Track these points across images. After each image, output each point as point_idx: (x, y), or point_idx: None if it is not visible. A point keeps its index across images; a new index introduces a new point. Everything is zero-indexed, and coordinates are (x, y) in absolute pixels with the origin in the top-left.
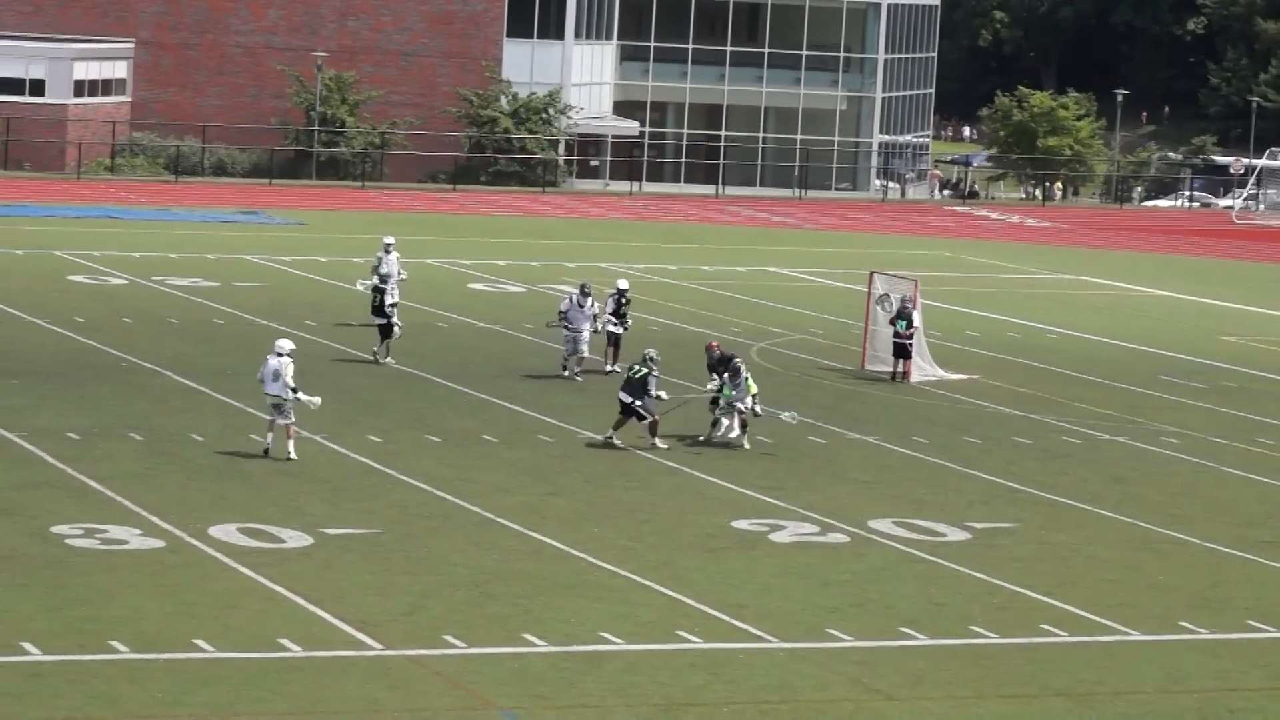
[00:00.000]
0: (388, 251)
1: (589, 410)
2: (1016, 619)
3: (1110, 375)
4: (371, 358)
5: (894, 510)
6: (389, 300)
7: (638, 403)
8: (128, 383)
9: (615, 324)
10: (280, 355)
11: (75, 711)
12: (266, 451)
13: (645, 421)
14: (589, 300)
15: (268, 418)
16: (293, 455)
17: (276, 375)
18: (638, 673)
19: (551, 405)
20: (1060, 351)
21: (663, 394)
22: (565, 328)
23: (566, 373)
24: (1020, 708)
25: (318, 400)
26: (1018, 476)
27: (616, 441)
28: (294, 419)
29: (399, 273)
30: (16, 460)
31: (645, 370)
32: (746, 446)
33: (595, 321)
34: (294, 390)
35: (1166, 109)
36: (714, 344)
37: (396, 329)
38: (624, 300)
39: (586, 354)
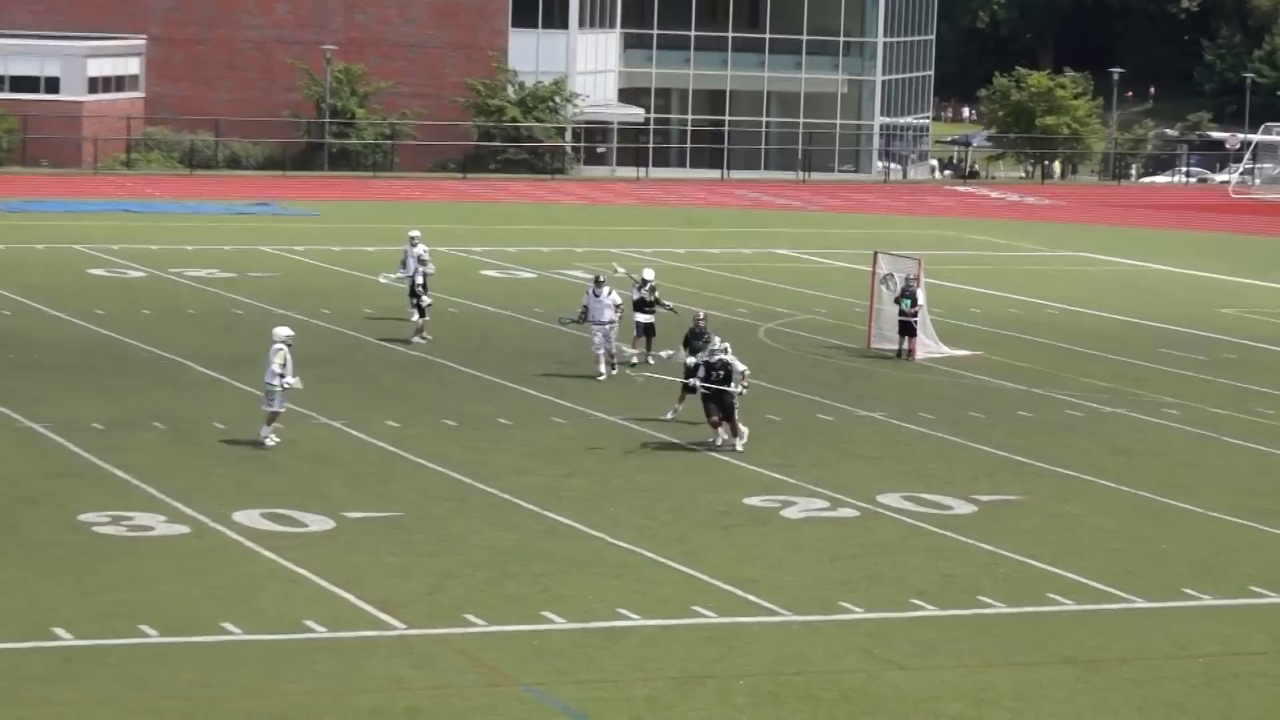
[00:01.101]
0: (414, 244)
1: (603, 392)
2: (1023, 589)
3: (1111, 349)
4: (416, 339)
5: (902, 485)
6: (418, 282)
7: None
8: (149, 373)
9: (646, 314)
10: (274, 342)
11: (107, 694)
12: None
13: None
14: (606, 290)
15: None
16: (268, 442)
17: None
18: (655, 647)
19: (564, 389)
20: (1061, 326)
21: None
22: (592, 323)
23: (602, 376)
24: (1028, 675)
25: (297, 381)
26: (1022, 450)
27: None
28: (278, 406)
29: (427, 263)
30: (43, 450)
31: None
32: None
33: (618, 310)
34: (280, 376)
35: (1152, 89)
36: (700, 314)
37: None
38: (650, 289)
39: (613, 348)
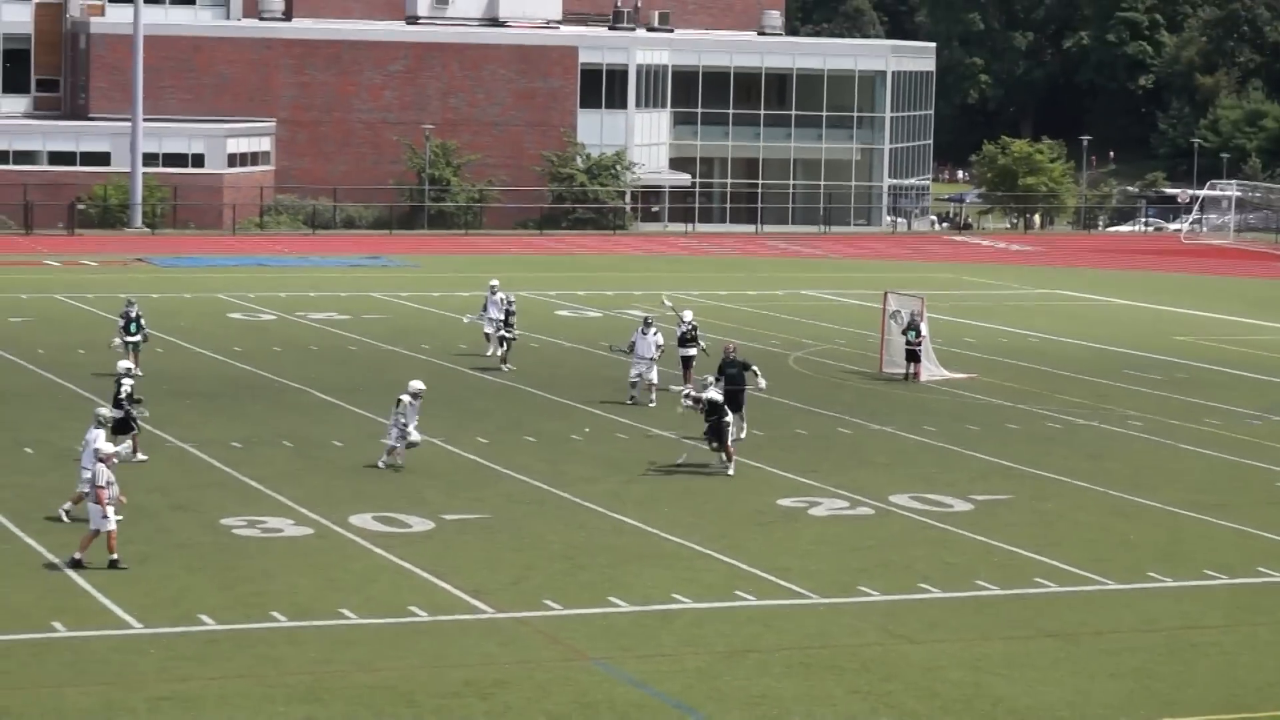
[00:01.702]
0: (493, 292)
1: (658, 414)
2: (1013, 574)
3: (1083, 371)
4: (499, 366)
5: (910, 487)
6: (506, 324)
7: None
8: (279, 400)
9: (687, 349)
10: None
11: (245, 670)
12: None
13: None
14: (652, 330)
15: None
16: (379, 464)
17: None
18: (703, 626)
19: (626, 410)
20: (1042, 353)
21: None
22: (636, 357)
23: (633, 399)
24: (1018, 647)
25: (417, 436)
26: (1010, 456)
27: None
28: (394, 441)
29: (510, 306)
30: (190, 466)
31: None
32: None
33: (659, 350)
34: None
35: (1112, 153)
36: (731, 346)
37: (508, 340)
38: (691, 327)
39: (655, 380)
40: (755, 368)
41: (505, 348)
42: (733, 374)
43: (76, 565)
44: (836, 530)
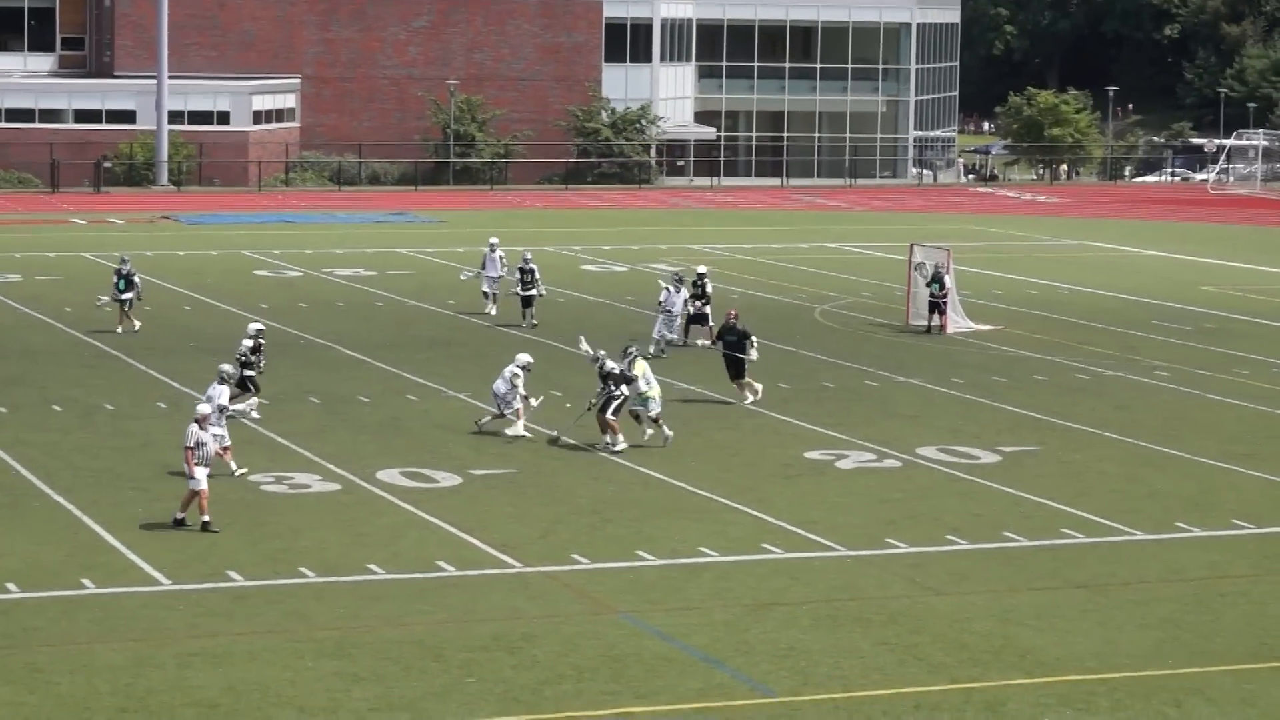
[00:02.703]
0: (492, 249)
1: (684, 366)
2: (1041, 525)
3: (1111, 322)
4: (524, 324)
5: (937, 439)
6: (526, 283)
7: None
8: (305, 356)
9: (699, 304)
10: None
11: (273, 626)
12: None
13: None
14: (680, 288)
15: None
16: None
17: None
18: (730, 579)
19: (653, 364)
20: (1069, 304)
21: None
22: (665, 313)
23: (655, 348)
24: (1046, 598)
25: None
26: (1038, 408)
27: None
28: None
29: (501, 268)
30: None
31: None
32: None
33: (687, 305)
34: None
35: (1130, 105)
36: (732, 313)
37: (532, 297)
38: (704, 282)
39: (675, 336)
40: (754, 338)
41: (530, 305)
42: (731, 341)
43: (179, 524)
44: (864, 483)
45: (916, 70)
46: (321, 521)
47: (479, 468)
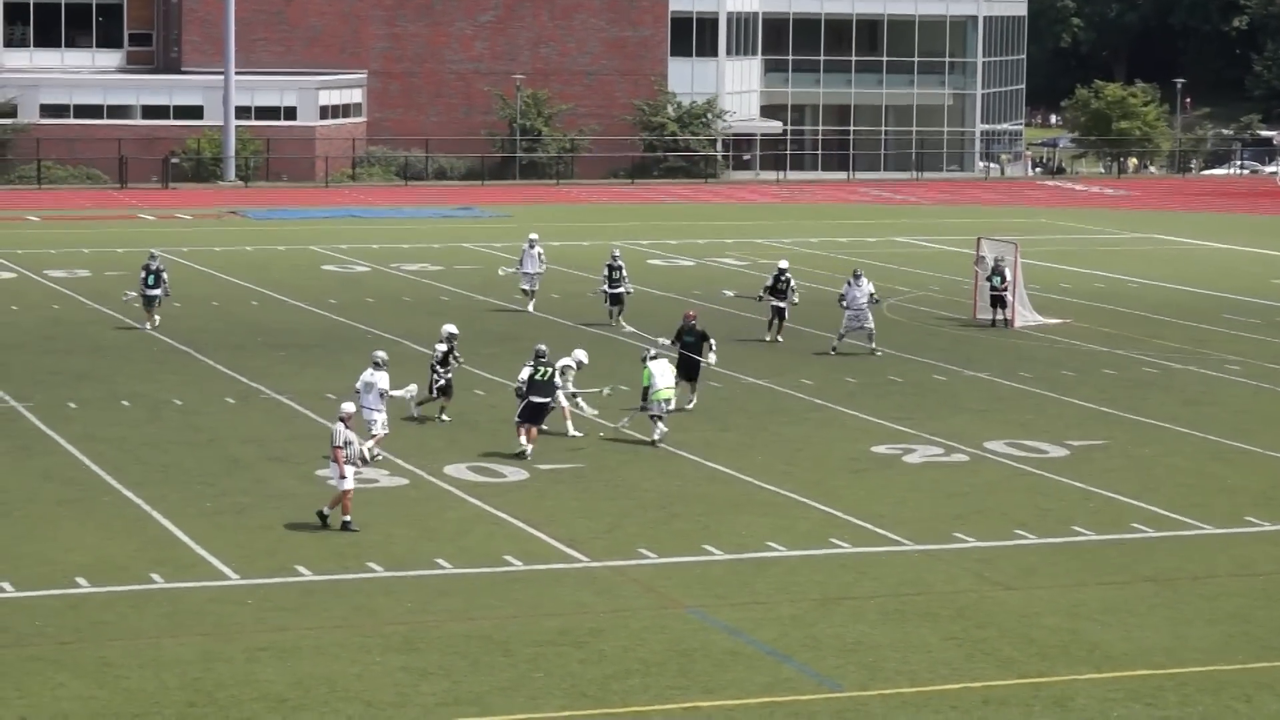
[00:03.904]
0: (531, 245)
1: (752, 360)
2: (1110, 519)
3: (1180, 315)
4: (612, 323)
5: (1005, 433)
6: (615, 281)
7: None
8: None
9: (779, 299)
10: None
11: (342, 620)
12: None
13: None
14: (861, 280)
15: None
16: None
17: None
18: (798, 574)
19: (720, 357)
20: (1138, 297)
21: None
22: (846, 308)
23: (834, 350)
24: (1115, 592)
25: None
26: (1107, 401)
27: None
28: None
29: (540, 264)
30: (286, 417)
31: (551, 371)
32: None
33: (874, 300)
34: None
35: (1189, 100)
36: (691, 314)
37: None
38: (784, 278)
39: (872, 328)
40: (712, 341)
41: (621, 305)
42: (689, 342)
43: (322, 519)
44: (931, 477)
45: (983, 63)
46: (389, 516)
47: (546, 462)
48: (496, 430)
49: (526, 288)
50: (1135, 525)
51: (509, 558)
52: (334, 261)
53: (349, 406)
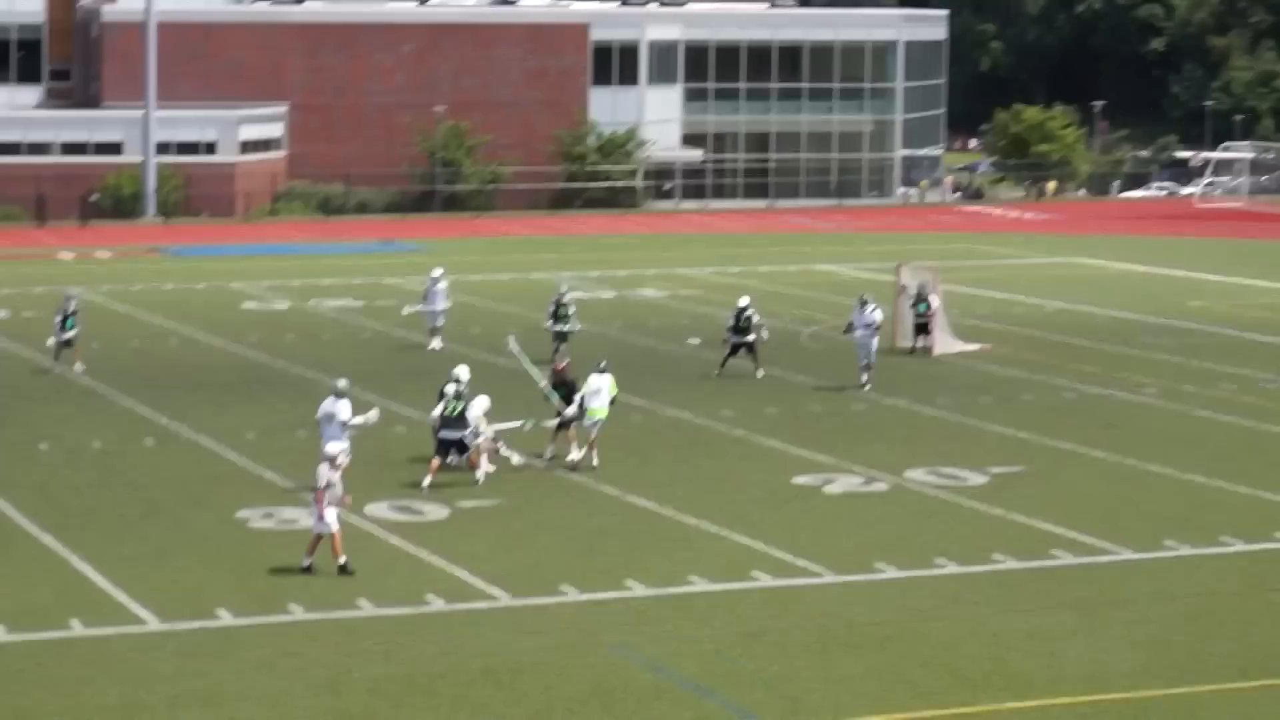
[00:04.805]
0: (435, 281)
1: (672, 390)
2: (1030, 546)
3: (1098, 339)
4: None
5: (925, 461)
6: (561, 317)
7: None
8: (293, 390)
9: (741, 336)
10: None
11: (264, 664)
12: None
13: (464, 456)
14: (870, 306)
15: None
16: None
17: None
18: (720, 608)
19: (642, 388)
20: (1057, 322)
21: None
22: (854, 336)
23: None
24: (1036, 620)
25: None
26: (1025, 428)
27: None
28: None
29: (445, 300)
30: (205, 458)
31: (461, 406)
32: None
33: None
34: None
35: (1106, 123)
36: (561, 365)
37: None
38: (744, 316)
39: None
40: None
41: (564, 341)
42: (563, 394)
43: (306, 571)
44: (852, 507)
45: (904, 88)
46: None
47: (467, 500)
48: (417, 468)
49: (433, 325)
50: (1055, 551)
51: (431, 597)
52: (254, 298)
53: (333, 447)
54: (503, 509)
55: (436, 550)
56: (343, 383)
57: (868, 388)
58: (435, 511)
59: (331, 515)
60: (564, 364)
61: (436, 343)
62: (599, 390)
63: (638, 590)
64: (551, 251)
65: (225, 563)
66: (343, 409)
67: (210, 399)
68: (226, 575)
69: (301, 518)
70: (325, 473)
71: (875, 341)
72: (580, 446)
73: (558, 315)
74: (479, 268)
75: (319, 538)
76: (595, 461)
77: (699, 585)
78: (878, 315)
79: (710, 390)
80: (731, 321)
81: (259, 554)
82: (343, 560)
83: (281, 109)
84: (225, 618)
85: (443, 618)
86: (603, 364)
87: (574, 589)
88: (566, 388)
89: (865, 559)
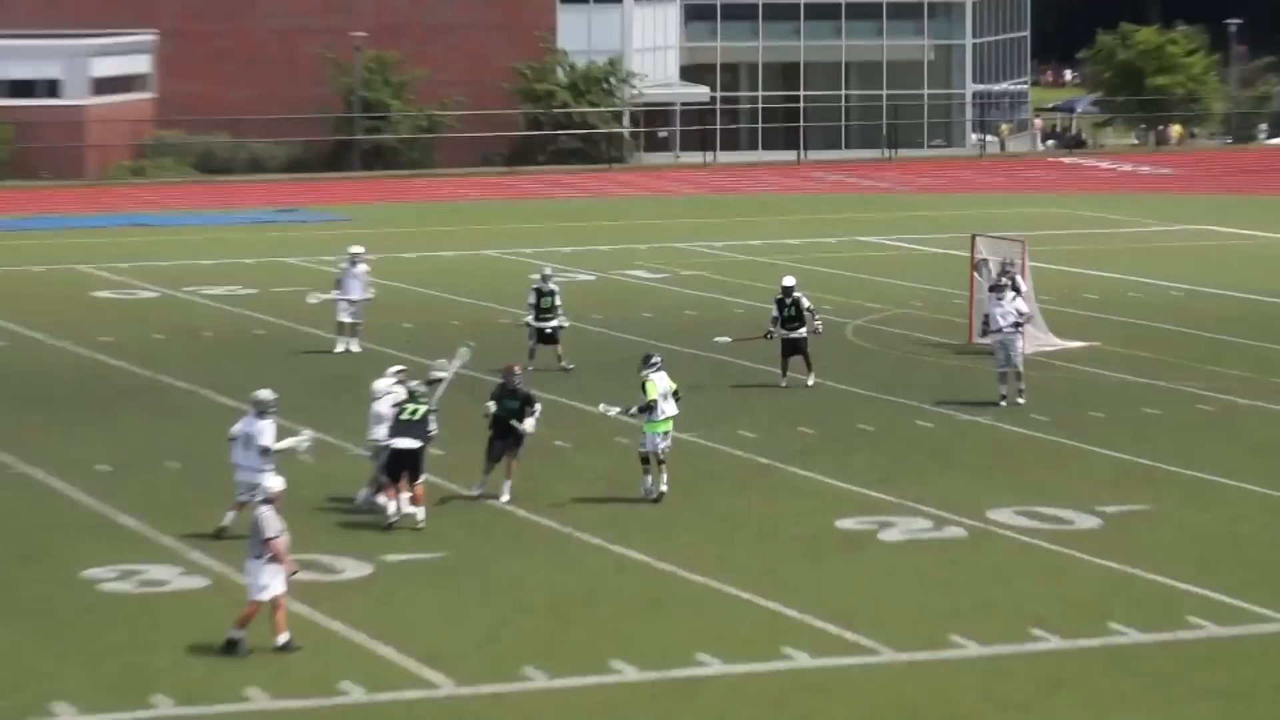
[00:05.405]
0: (354, 262)
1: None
2: (1158, 611)
3: (1244, 333)
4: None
5: (1014, 498)
6: (546, 312)
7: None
8: (162, 406)
9: (792, 328)
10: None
11: None
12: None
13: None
14: (1010, 295)
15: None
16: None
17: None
18: (740, 697)
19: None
20: (1187, 310)
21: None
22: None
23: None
24: (1170, 712)
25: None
26: (1149, 452)
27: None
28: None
29: (366, 290)
30: (42, 498)
31: (422, 408)
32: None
33: (1023, 317)
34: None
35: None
36: (515, 369)
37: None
38: (790, 301)
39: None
40: (537, 406)
41: (552, 342)
42: (511, 408)
43: (231, 648)
44: (917, 560)
45: (974, 3)
46: (182, 630)
47: (394, 551)
48: (327, 512)
49: (347, 319)
50: (1192, 619)
51: (346, 684)
52: (110, 285)
53: (274, 482)
54: (444, 563)
55: (356, 621)
56: (266, 394)
57: (1021, 400)
58: (354, 568)
59: (278, 574)
60: (517, 366)
61: (353, 344)
62: (666, 394)
63: (628, 674)
64: (509, 221)
65: (68, 639)
66: (265, 431)
67: (50, 418)
68: (70, 655)
69: (173, 577)
70: (271, 517)
71: (1021, 341)
72: (508, 478)
73: (540, 308)
74: (412, 243)
75: (256, 603)
76: (665, 485)
77: (711, 666)
78: (1021, 304)
79: (724, 404)
80: (775, 311)
81: (113, 628)
82: (284, 638)
83: (148, 37)
84: (63, 714)
85: (362, 712)
86: (655, 359)
87: (541, 673)
88: (518, 400)
89: (936, 630)
